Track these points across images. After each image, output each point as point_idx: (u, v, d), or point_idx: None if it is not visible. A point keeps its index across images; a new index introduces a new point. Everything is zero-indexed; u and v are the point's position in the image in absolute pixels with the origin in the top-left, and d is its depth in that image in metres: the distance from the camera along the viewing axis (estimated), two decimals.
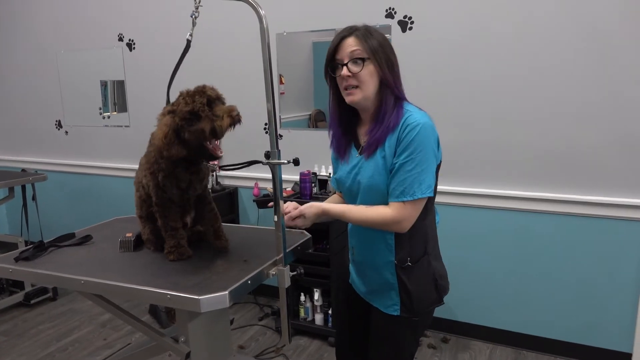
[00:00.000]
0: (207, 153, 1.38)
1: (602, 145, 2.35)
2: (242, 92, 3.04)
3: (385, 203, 1.37)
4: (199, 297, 1.16)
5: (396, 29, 2.66)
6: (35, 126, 4.22)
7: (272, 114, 1.31)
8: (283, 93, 3.07)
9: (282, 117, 3.08)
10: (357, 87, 1.35)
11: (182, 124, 1.34)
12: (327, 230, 2.62)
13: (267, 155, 1.33)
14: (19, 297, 3.39)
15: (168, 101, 1.46)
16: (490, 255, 2.68)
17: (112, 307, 1.52)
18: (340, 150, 1.48)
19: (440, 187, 2.72)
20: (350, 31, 1.37)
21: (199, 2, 1.37)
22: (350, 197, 1.48)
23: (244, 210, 3.38)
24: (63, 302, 3.49)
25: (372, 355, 1.52)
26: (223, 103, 1.40)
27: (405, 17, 2.63)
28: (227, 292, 1.18)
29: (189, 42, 1.44)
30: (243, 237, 1.66)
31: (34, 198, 3.59)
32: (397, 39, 2.67)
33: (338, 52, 1.37)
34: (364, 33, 1.36)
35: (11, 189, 3.37)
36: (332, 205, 1.44)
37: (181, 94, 1.37)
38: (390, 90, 1.38)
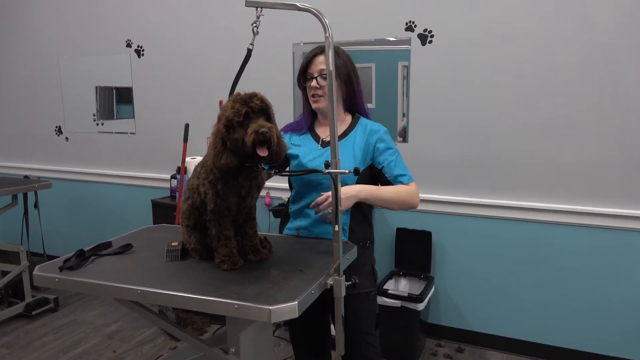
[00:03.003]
0: (252, 169, 1.36)
1: (618, 157, 2.42)
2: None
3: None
4: (270, 307, 1.14)
5: (416, 42, 2.70)
6: (36, 132, 4.13)
7: (333, 123, 1.31)
8: None
9: None
10: (322, 96, 1.67)
11: (224, 131, 1.32)
12: None
13: (327, 164, 1.34)
14: (19, 307, 3.28)
15: None
16: (506, 265, 2.72)
17: (152, 315, 1.48)
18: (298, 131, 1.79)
19: (457, 198, 2.78)
20: (321, 50, 1.67)
21: (261, 11, 1.37)
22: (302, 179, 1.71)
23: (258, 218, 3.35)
24: (65, 313, 3.40)
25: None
26: (269, 116, 1.35)
27: (425, 30, 2.68)
28: (296, 303, 1.17)
29: (249, 51, 1.44)
30: (286, 246, 1.65)
31: (36, 206, 3.51)
32: (417, 52, 2.71)
33: (310, 67, 1.68)
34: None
35: (14, 197, 3.27)
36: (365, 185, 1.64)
37: (232, 97, 1.33)
38: (347, 102, 1.73)
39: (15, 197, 3.28)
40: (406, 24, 2.71)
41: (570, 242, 2.56)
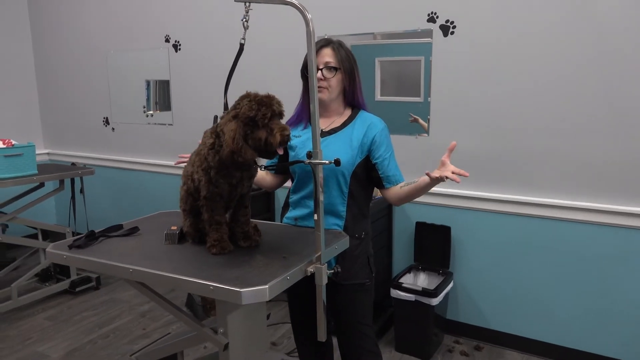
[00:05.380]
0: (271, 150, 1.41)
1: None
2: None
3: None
4: (241, 290, 1.20)
5: (438, 33, 2.66)
6: (85, 123, 4.43)
7: (314, 115, 1.35)
8: None
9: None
10: (326, 88, 1.71)
11: (245, 129, 1.38)
12: None
13: (309, 155, 1.38)
14: (65, 284, 3.56)
15: (226, 106, 1.52)
16: (526, 263, 2.63)
17: (156, 296, 1.59)
18: (298, 124, 1.84)
19: (477, 193, 2.72)
20: (327, 42, 1.73)
21: (249, 6, 1.42)
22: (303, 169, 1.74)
23: (279, 209, 3.44)
24: (105, 291, 3.65)
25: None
26: (281, 118, 1.43)
27: (447, 21, 2.63)
28: (267, 287, 1.22)
29: (242, 45, 1.50)
30: (280, 234, 1.70)
31: (81, 191, 3.77)
32: (439, 44, 2.67)
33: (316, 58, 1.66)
34: (337, 47, 1.73)
35: (61, 182, 3.54)
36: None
37: (248, 95, 1.40)
38: (348, 95, 1.77)
39: (62, 182, 3.55)
40: (428, 15, 2.67)
41: (594, 242, 2.45)
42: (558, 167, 2.48)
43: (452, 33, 2.63)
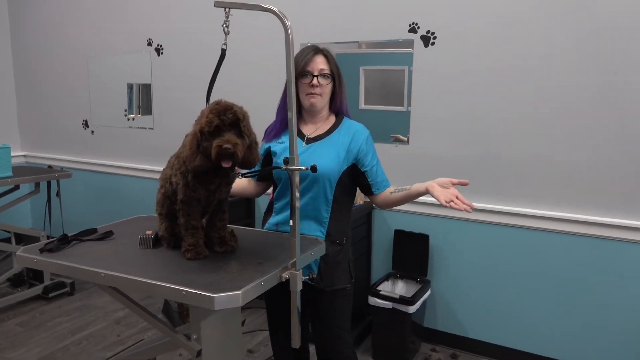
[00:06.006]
0: (223, 170, 1.41)
1: (627, 166, 2.33)
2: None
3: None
4: (213, 295, 1.19)
5: (419, 43, 2.70)
6: (63, 125, 4.37)
7: (292, 122, 1.35)
8: None
9: None
10: (319, 94, 1.72)
11: (199, 136, 1.38)
12: None
13: (286, 161, 1.38)
14: (37, 290, 3.48)
15: None
16: (504, 272, 2.67)
17: (129, 302, 1.56)
18: (279, 133, 1.82)
19: None
20: (318, 50, 1.75)
21: (229, 12, 1.42)
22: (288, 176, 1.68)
23: (260, 215, 3.43)
24: (80, 297, 3.57)
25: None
26: (239, 129, 1.38)
27: (428, 32, 2.67)
28: (240, 292, 1.21)
29: (223, 51, 1.50)
30: (258, 240, 1.69)
31: (58, 194, 3.70)
32: (420, 54, 2.70)
33: (309, 65, 1.72)
34: (327, 54, 1.76)
35: (37, 184, 3.47)
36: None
37: (213, 103, 1.39)
38: (336, 101, 1.79)
39: (37, 185, 3.48)
40: (409, 25, 2.71)
41: (572, 252, 2.49)
42: (537, 177, 2.52)
43: (433, 44, 2.67)
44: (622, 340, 2.43)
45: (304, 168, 1.37)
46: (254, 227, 3.42)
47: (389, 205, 1.81)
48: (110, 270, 1.36)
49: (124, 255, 1.52)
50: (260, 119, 1.79)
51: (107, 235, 1.70)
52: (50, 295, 3.50)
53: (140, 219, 2.01)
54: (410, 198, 1.74)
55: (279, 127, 1.84)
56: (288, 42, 1.32)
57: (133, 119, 3.98)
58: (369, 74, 2.88)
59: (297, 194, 1.38)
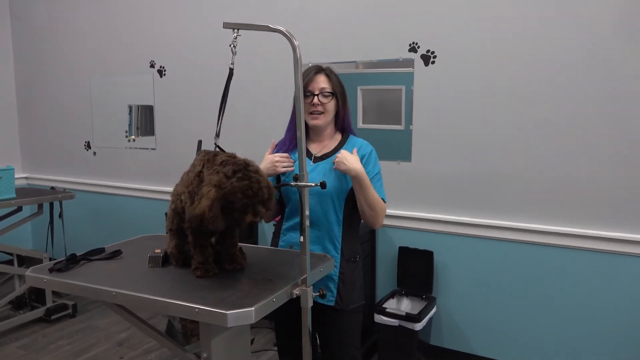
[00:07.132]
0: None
1: (630, 180, 2.36)
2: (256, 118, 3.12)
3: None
4: (226, 312, 1.19)
5: (419, 62, 2.74)
6: (65, 146, 4.38)
7: (301, 140, 1.37)
8: None
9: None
10: (322, 113, 1.74)
11: (224, 203, 1.34)
12: None
13: (296, 178, 1.39)
14: (40, 312, 3.45)
15: (218, 133, 1.57)
16: (509, 288, 2.66)
17: (138, 321, 1.56)
18: (288, 152, 1.82)
19: (459, 218, 2.75)
20: (319, 69, 1.78)
21: (238, 32, 1.45)
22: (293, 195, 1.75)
23: (263, 234, 3.43)
24: (82, 319, 3.54)
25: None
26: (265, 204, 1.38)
27: (428, 51, 2.72)
28: (252, 309, 1.22)
29: (231, 70, 1.53)
30: (266, 257, 1.70)
31: (60, 215, 3.70)
32: (420, 73, 2.75)
33: (310, 84, 1.74)
34: (330, 73, 1.78)
35: (40, 206, 3.47)
36: None
37: (240, 170, 1.35)
38: (340, 119, 1.82)
39: (40, 206, 3.48)
40: (409, 44, 2.75)
41: (579, 267, 2.49)
42: (541, 193, 2.54)
43: (433, 62, 2.71)
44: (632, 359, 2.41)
45: (313, 185, 1.38)
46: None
47: (367, 217, 1.74)
48: (121, 288, 1.37)
49: (134, 273, 1.52)
50: (264, 136, 1.80)
51: (116, 254, 1.70)
52: (53, 317, 3.46)
53: (146, 238, 2.01)
54: (357, 191, 1.69)
55: (288, 145, 1.86)
56: (296, 61, 1.35)
57: (133, 140, 4.00)
58: (367, 94, 2.93)
59: (307, 212, 1.39)
